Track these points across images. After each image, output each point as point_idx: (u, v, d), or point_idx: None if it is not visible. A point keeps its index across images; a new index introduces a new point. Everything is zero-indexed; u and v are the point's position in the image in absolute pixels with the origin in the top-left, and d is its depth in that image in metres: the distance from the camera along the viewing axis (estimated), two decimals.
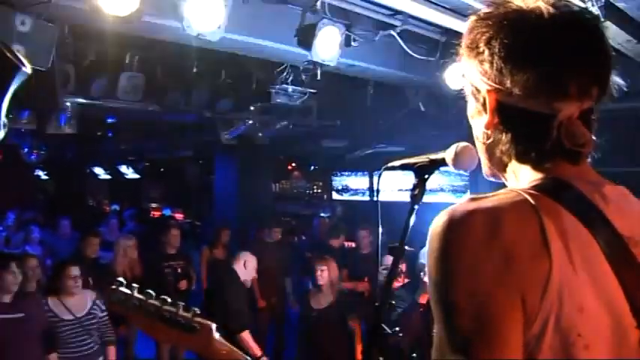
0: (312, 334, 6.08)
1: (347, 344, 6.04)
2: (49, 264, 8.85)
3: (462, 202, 1.19)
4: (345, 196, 17.02)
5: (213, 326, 1.88)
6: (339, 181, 17.37)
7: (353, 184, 16.87)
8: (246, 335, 5.93)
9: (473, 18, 1.37)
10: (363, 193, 16.45)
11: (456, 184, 14.21)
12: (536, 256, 1.12)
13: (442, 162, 1.80)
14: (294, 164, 19.36)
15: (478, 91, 1.37)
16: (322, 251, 8.01)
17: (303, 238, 12.71)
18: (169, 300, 1.90)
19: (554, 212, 1.18)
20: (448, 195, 14.23)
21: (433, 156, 1.85)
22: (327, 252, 7.87)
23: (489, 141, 1.38)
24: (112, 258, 8.21)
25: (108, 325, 6.07)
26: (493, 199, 1.19)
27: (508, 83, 1.27)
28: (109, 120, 11.11)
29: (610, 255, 1.18)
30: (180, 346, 1.66)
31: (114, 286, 1.94)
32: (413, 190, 1.90)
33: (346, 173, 17.01)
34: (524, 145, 1.31)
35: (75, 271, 5.91)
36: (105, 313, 6.01)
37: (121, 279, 1.96)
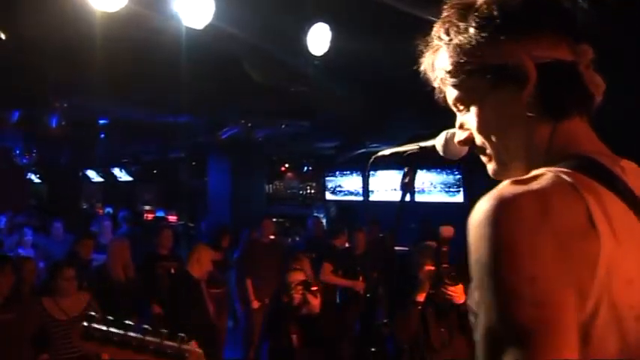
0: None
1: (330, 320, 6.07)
2: (42, 267, 8.83)
3: (505, 186, 1.17)
4: (339, 197, 17.05)
5: (201, 352, 1.80)
6: (332, 182, 17.39)
7: (346, 184, 16.91)
8: None
9: (457, 5, 1.37)
10: (357, 194, 16.48)
11: (448, 183, 14.24)
12: (586, 236, 1.11)
13: (432, 149, 1.77)
14: (287, 165, 19.33)
15: (502, 68, 1.30)
16: (323, 251, 8.01)
17: (297, 238, 12.70)
18: (151, 329, 1.81)
19: (593, 190, 1.17)
20: (441, 194, 14.26)
21: (423, 143, 1.83)
22: (328, 251, 7.87)
23: (519, 124, 1.33)
24: (105, 260, 8.17)
25: None
26: (536, 182, 1.17)
27: (536, 40, 1.28)
28: (101, 121, 11.06)
29: None
30: None
31: (85, 323, 1.82)
32: (403, 178, 1.87)
33: (339, 173, 17.04)
34: (556, 101, 1.29)
35: (70, 272, 5.90)
36: (98, 315, 5.99)
37: (92, 313, 1.86)
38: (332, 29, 5.58)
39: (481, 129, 1.40)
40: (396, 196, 12.61)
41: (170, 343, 1.76)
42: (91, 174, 24.10)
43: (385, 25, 5.85)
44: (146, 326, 1.78)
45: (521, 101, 1.28)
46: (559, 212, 1.12)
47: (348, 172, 16.72)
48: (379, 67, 6.63)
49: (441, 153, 1.73)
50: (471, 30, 1.32)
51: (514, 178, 1.20)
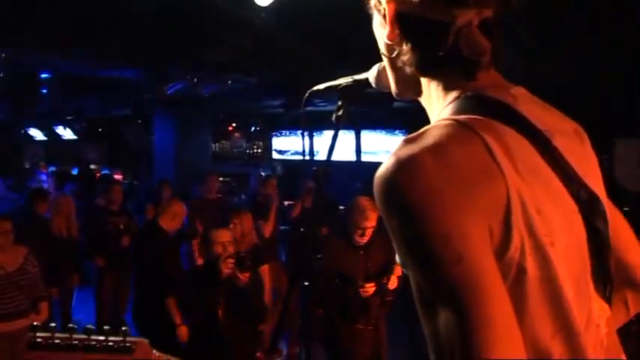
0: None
1: (258, 291, 6.13)
2: None
3: (399, 148, 1.15)
4: (286, 156, 17.04)
5: (146, 342, 1.81)
6: (279, 141, 17.36)
7: (293, 143, 16.89)
8: (170, 303, 5.82)
9: None
10: (303, 153, 16.48)
11: (394, 145, 14.32)
12: (490, 173, 1.12)
13: (366, 82, 1.79)
14: (234, 124, 19.21)
15: (380, 2, 1.36)
16: (257, 210, 8.02)
17: (243, 197, 12.69)
18: (93, 328, 1.80)
19: (489, 128, 1.17)
20: (387, 155, 14.29)
21: (357, 76, 1.85)
22: (260, 210, 7.91)
23: (393, 54, 1.38)
24: (48, 217, 8.07)
25: (39, 281, 5.97)
26: (430, 135, 1.16)
27: None
28: (43, 75, 10.79)
29: (542, 152, 1.22)
30: None
31: (30, 333, 1.78)
32: (337, 111, 1.89)
33: (286, 133, 17.01)
34: (423, 54, 1.31)
35: (7, 225, 5.78)
36: (37, 269, 5.91)
37: (35, 323, 1.84)
38: None
39: (382, 53, 1.45)
40: (341, 156, 12.65)
41: (115, 338, 1.77)
42: (35, 133, 23.59)
43: None
44: (90, 326, 1.79)
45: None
46: (458, 157, 1.12)
47: (294, 132, 16.69)
48: (328, 20, 6.57)
49: (374, 85, 1.75)
50: None
51: (407, 137, 1.19)
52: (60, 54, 8.02)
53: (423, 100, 1.41)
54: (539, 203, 1.15)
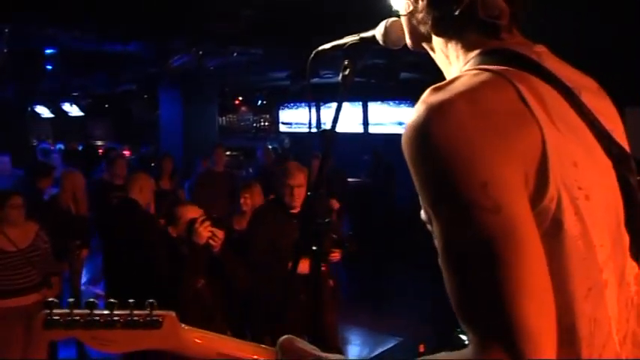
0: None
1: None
2: None
3: (429, 95, 1.12)
4: (293, 129, 17.04)
5: (174, 314, 1.65)
6: (285, 114, 17.35)
7: (300, 116, 16.88)
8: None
9: None
10: (310, 125, 16.51)
11: (401, 117, 14.31)
12: (524, 119, 1.09)
13: (373, 39, 1.76)
14: (240, 98, 19.18)
15: None
16: (266, 183, 7.99)
17: (250, 170, 12.70)
18: (115, 301, 1.63)
19: (520, 78, 1.15)
20: (394, 126, 14.33)
21: (364, 34, 1.82)
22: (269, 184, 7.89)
23: (409, 10, 1.36)
24: (56, 193, 8.09)
25: (51, 257, 5.98)
26: (460, 83, 1.13)
27: None
28: (48, 51, 10.74)
29: (573, 106, 1.20)
30: (147, 347, 1.36)
31: (46, 311, 1.61)
32: (344, 70, 1.85)
33: (293, 105, 16.99)
34: (438, 13, 1.29)
35: (18, 200, 5.78)
36: (47, 245, 5.92)
37: (51, 299, 1.65)
38: None
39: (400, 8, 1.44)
40: (348, 128, 12.63)
41: (140, 312, 1.62)
42: (41, 110, 23.59)
43: None
44: (112, 300, 1.61)
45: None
46: (491, 103, 1.09)
47: (301, 104, 16.68)
48: None
49: (381, 42, 1.73)
50: None
51: (434, 85, 1.15)
52: (63, 28, 7.95)
53: (437, 56, 1.39)
54: (575, 156, 1.13)
